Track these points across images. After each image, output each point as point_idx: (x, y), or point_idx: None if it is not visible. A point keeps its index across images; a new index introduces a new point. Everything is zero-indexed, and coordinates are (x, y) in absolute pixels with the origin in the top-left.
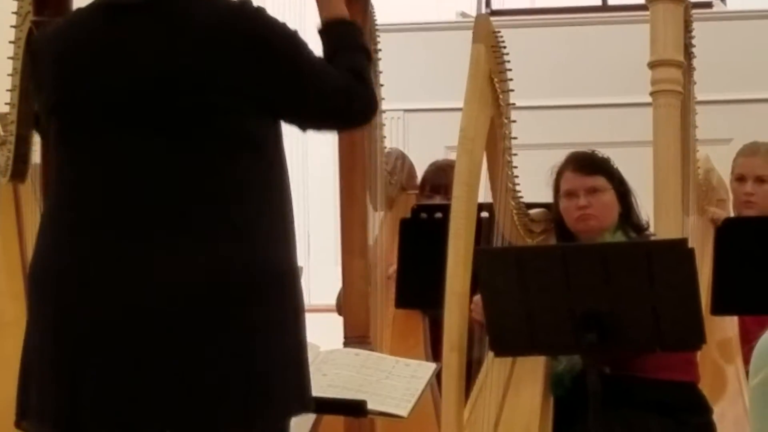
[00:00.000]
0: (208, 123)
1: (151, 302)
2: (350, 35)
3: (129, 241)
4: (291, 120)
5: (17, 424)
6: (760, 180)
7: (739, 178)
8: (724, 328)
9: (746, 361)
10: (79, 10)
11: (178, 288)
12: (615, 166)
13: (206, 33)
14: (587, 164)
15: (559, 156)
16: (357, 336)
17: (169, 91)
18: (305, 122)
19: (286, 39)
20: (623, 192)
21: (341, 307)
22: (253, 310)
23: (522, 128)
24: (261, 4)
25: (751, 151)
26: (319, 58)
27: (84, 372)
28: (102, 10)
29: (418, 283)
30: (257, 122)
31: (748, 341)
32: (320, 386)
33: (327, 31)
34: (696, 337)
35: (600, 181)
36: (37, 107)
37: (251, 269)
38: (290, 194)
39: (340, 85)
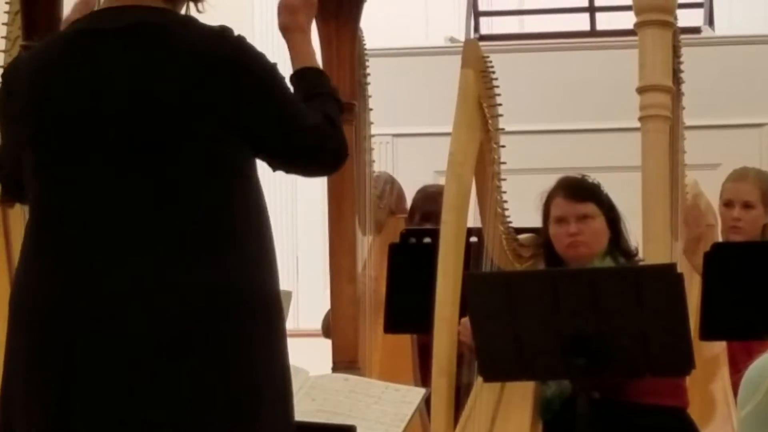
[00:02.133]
0: (188, 148)
1: (138, 328)
2: (323, 83)
3: (116, 269)
4: (263, 151)
5: None
6: (747, 205)
7: (727, 204)
8: (713, 353)
9: (735, 389)
10: (53, 36)
11: (163, 313)
12: (605, 192)
13: (186, 58)
14: (578, 191)
15: (548, 181)
16: (346, 361)
17: (148, 116)
18: (277, 156)
19: (265, 69)
20: (613, 218)
21: (327, 328)
22: (238, 333)
23: (511, 153)
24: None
25: (739, 176)
26: (295, 95)
27: (75, 402)
28: (79, 36)
29: (407, 308)
30: (236, 148)
31: (735, 368)
32: (309, 411)
33: (300, 76)
34: (685, 362)
35: (590, 208)
36: (5, 139)
37: (233, 293)
38: (269, 218)
39: (313, 124)
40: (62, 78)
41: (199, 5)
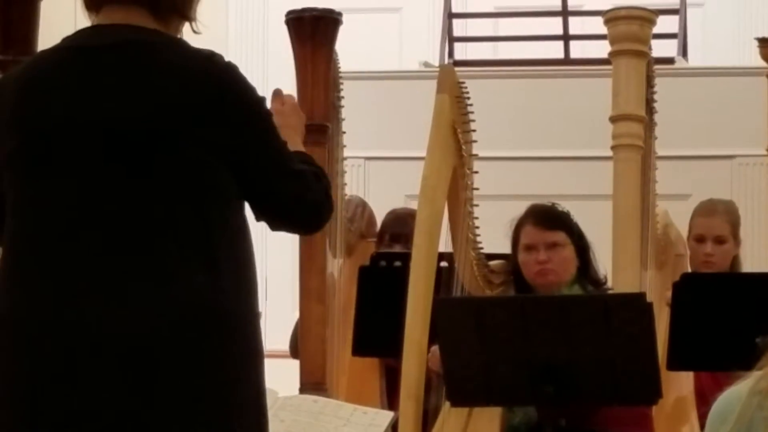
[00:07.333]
0: (171, 167)
1: (110, 345)
2: (312, 162)
3: (91, 285)
4: (242, 180)
5: None
6: (719, 241)
7: (699, 239)
8: (680, 383)
9: (704, 421)
10: (42, 53)
11: (135, 329)
12: (574, 221)
13: (173, 78)
14: (548, 219)
15: (520, 207)
16: (313, 382)
17: (131, 134)
18: (255, 194)
19: (256, 101)
20: (582, 246)
21: (295, 347)
22: (212, 352)
23: (483, 179)
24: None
25: (709, 211)
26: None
27: (42, 416)
28: (65, 52)
29: (376, 331)
30: (219, 171)
31: (703, 399)
32: None
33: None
34: (652, 392)
35: (560, 237)
36: None
37: (209, 312)
38: (251, 241)
39: (298, 169)
40: (46, 94)
41: (193, 24)
